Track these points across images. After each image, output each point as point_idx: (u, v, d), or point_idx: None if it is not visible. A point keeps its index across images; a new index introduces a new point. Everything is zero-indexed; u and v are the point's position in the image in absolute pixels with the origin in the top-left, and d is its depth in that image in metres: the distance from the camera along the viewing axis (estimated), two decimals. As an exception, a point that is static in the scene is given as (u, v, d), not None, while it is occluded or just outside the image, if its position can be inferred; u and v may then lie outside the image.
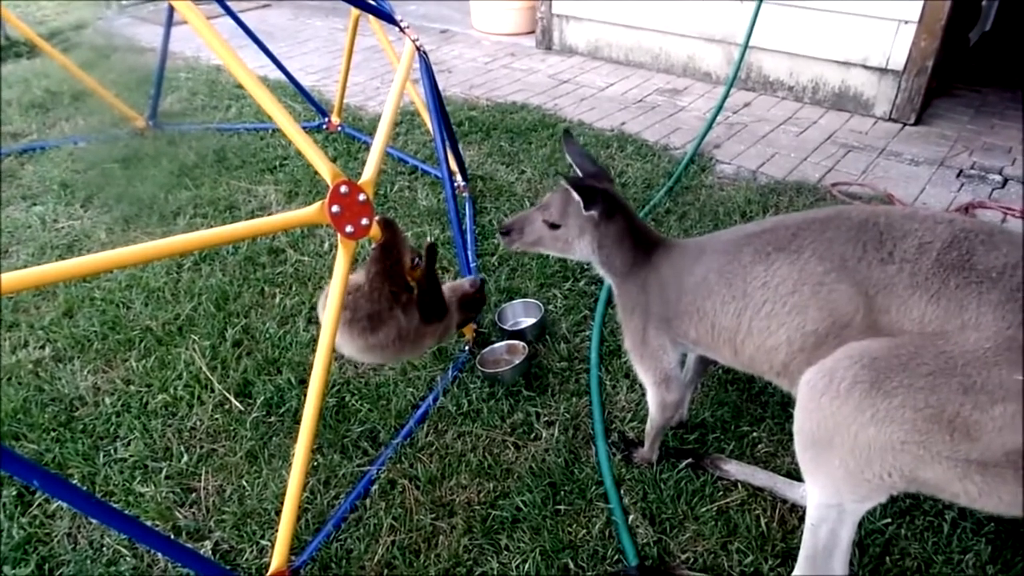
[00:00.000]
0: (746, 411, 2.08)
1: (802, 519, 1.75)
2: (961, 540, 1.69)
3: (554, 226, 1.79)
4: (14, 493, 1.89)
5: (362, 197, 1.59)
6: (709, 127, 3.69)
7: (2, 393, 2.18)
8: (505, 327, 2.39)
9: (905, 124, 3.96)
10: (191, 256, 2.80)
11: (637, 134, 3.82)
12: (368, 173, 1.68)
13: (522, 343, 2.29)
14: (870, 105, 4.07)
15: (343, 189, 1.55)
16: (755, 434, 2.00)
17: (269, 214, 3.11)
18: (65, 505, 1.85)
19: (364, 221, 1.60)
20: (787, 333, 1.44)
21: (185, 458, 1.97)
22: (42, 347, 2.40)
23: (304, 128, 3.83)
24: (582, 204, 1.70)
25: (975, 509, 1.29)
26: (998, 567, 1.63)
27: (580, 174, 1.84)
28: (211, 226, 2.98)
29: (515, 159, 3.56)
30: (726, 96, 3.78)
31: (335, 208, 1.55)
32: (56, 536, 1.79)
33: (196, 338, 2.39)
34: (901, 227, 1.34)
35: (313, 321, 2.46)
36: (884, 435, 1.24)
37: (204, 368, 2.26)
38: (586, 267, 2.71)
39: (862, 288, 1.33)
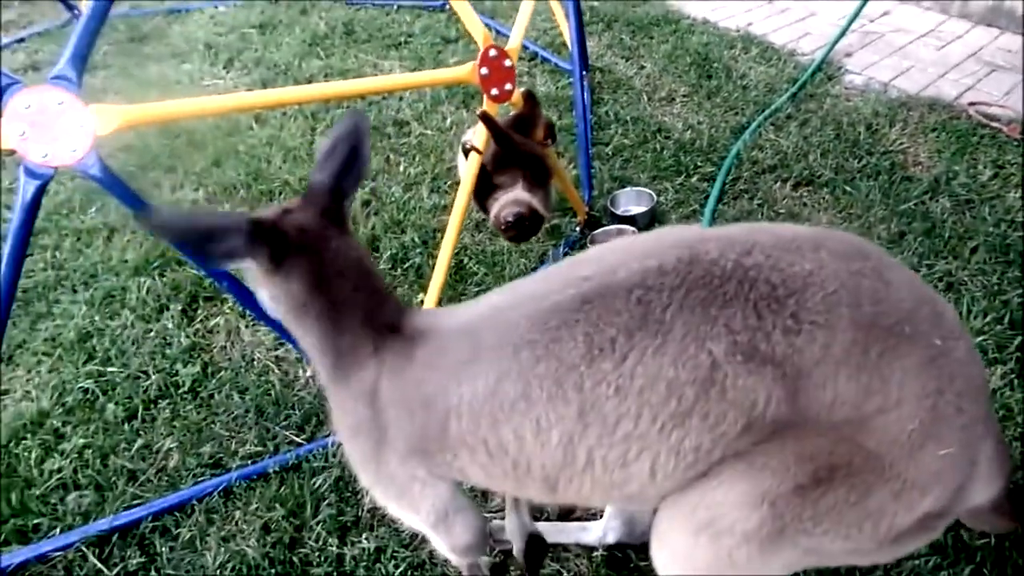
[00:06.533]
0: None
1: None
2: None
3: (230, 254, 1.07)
4: (179, 308, 2.18)
5: (508, 63, 1.69)
6: (842, 33, 3.52)
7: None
8: (617, 212, 2.49)
9: (1062, 46, 3.65)
10: (324, 121, 2.98)
11: (763, 36, 3.69)
12: (514, 41, 1.77)
13: (632, 228, 2.38)
14: (1025, 23, 3.76)
15: (492, 53, 1.65)
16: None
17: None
18: (221, 321, 2.13)
19: (508, 86, 1.71)
20: (651, 460, 0.97)
21: (322, 296, 2.21)
22: (196, 190, 2.68)
23: (430, 7, 3.91)
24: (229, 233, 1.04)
25: None
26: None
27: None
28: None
29: (635, 53, 3.53)
30: (865, 2, 3.57)
31: (484, 70, 1.65)
32: (215, 347, 2.08)
33: (329, 195, 2.60)
34: (792, 271, 0.95)
35: (435, 191, 2.62)
36: (802, 561, 1.03)
37: (337, 221, 2.47)
38: (699, 164, 2.74)
39: (773, 369, 0.93)
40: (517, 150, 1.87)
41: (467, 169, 1.75)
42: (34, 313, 2.23)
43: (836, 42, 3.49)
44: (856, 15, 3.60)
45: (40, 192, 1.27)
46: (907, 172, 2.66)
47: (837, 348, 0.92)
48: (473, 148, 1.79)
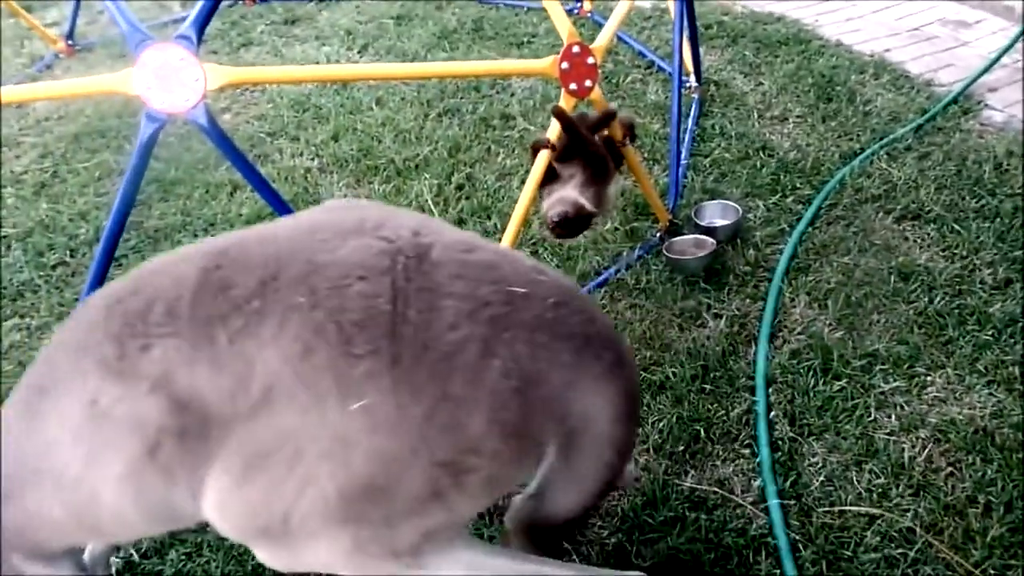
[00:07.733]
0: (927, 354, 2.01)
1: (953, 464, 1.73)
2: None
3: None
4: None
5: (591, 60, 1.75)
6: (991, 65, 3.28)
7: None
8: (700, 223, 2.47)
9: None
10: (437, 107, 3.16)
11: (899, 64, 3.50)
12: (601, 40, 1.83)
13: (711, 240, 2.36)
14: None
15: (575, 49, 1.72)
16: (929, 378, 1.95)
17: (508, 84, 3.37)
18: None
19: (588, 83, 1.77)
20: (116, 493, 1.01)
21: (402, 266, 2.37)
22: (312, 159, 2.94)
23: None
24: None
25: None
26: None
27: None
28: (458, 87, 3.31)
29: (755, 70, 3.47)
30: (1020, 35, 3.31)
31: (565, 65, 1.73)
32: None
33: (428, 176, 2.77)
34: (145, 291, 1.02)
35: (525, 182, 2.71)
36: (339, 526, 1.01)
37: (430, 201, 2.63)
38: (798, 185, 2.66)
39: (143, 384, 0.97)
40: (583, 144, 1.93)
41: (536, 164, 1.84)
42: (160, 250, 2.54)
43: (981, 74, 3.27)
44: (1009, 47, 3.36)
45: (156, 134, 1.49)
46: (1031, 218, 2.46)
47: (184, 351, 0.95)
48: (549, 143, 1.88)
